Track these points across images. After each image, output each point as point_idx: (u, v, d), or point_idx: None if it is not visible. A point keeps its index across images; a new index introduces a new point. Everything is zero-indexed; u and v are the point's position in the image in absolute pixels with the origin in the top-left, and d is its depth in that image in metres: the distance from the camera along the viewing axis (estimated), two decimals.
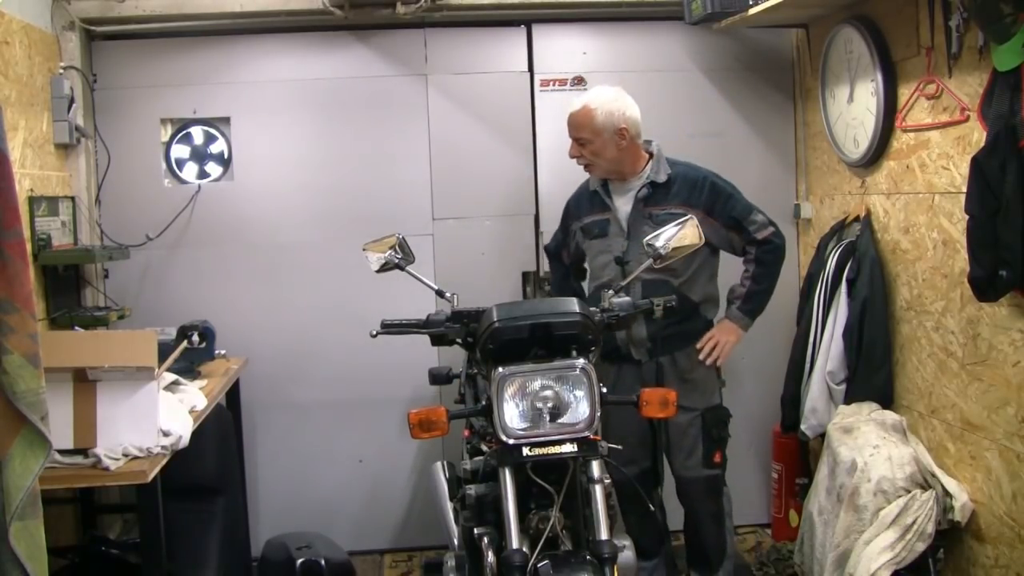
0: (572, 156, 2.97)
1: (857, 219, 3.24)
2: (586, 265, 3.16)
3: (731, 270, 3.12)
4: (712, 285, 3.06)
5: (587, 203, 3.09)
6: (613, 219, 2.99)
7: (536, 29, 3.70)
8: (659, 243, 2.42)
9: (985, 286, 2.44)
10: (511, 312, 2.25)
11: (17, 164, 2.91)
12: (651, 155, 3.01)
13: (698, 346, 2.99)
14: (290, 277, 3.65)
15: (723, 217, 2.95)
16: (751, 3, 3.28)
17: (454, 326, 2.43)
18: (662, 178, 2.95)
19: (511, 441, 2.11)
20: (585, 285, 3.22)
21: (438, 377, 2.98)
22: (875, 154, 3.13)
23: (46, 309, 3.11)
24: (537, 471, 2.14)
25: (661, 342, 2.96)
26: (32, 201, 2.99)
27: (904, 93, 2.97)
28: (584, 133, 2.90)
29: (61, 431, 2.14)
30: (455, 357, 3.13)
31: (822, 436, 3.15)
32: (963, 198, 2.52)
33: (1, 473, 1.71)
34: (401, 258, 2.67)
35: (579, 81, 3.69)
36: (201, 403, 2.69)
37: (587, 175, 3.10)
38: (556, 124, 3.68)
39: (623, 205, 2.99)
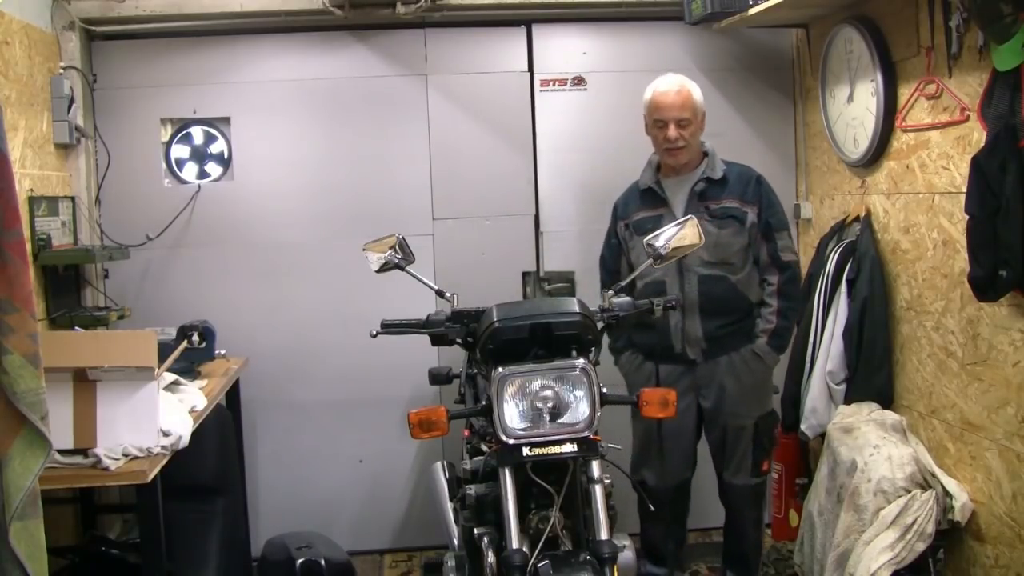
0: (672, 138, 2.89)
1: (857, 219, 3.24)
2: (632, 262, 3.07)
3: None
4: None
5: (637, 201, 3.05)
6: (668, 213, 2.94)
7: (536, 29, 3.70)
8: (659, 243, 2.42)
9: (985, 286, 2.45)
10: (511, 312, 2.25)
11: (17, 164, 2.91)
12: (705, 154, 3.01)
13: None
14: (290, 277, 3.65)
15: (761, 220, 2.93)
16: (751, 3, 3.29)
17: (454, 326, 2.42)
18: (718, 175, 2.95)
19: (511, 441, 2.10)
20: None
21: (438, 377, 2.98)
22: (875, 154, 3.13)
23: (46, 309, 3.10)
24: (537, 471, 2.14)
25: (716, 342, 2.93)
26: (32, 201, 2.99)
27: (904, 93, 2.97)
28: (687, 113, 2.89)
29: (61, 431, 2.14)
30: (455, 357, 3.13)
31: (822, 436, 3.15)
32: (963, 198, 2.52)
33: (1, 473, 1.71)
34: (401, 258, 2.66)
35: (579, 81, 3.70)
36: (201, 403, 2.69)
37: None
38: (556, 124, 3.70)
39: (679, 200, 2.97)
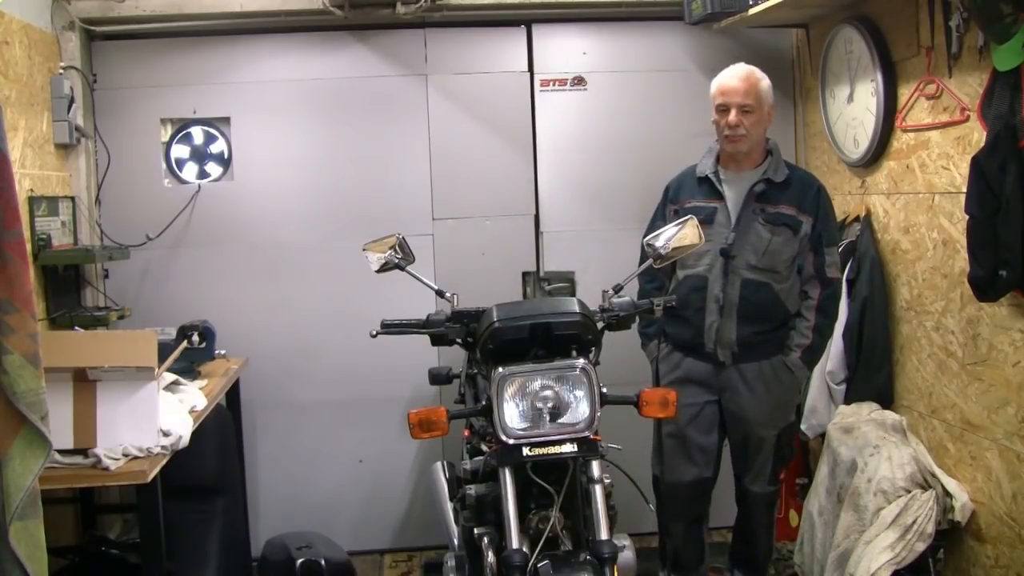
0: (732, 123, 2.79)
1: (857, 219, 3.24)
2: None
3: None
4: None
5: (692, 187, 2.94)
6: (722, 208, 2.86)
7: (536, 29, 3.70)
8: (659, 243, 2.41)
9: (985, 286, 2.45)
10: (511, 312, 2.25)
11: (17, 164, 2.91)
12: (769, 152, 2.91)
13: None
14: (290, 277, 3.65)
15: (814, 232, 2.85)
16: (751, 3, 3.29)
17: (454, 326, 2.42)
18: (780, 177, 2.85)
19: (511, 441, 2.11)
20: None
21: (438, 377, 2.97)
22: (875, 154, 3.13)
23: (46, 309, 3.10)
24: (537, 471, 2.14)
25: (748, 348, 2.85)
26: (32, 201, 2.99)
27: (904, 93, 2.97)
28: (751, 100, 2.79)
29: (61, 431, 2.14)
30: (455, 357, 3.14)
31: (822, 436, 3.15)
32: (963, 198, 2.52)
33: (1, 473, 1.71)
34: (401, 258, 2.66)
35: (579, 81, 3.70)
36: (201, 403, 2.69)
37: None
38: (556, 124, 3.70)
39: (735, 196, 2.87)
